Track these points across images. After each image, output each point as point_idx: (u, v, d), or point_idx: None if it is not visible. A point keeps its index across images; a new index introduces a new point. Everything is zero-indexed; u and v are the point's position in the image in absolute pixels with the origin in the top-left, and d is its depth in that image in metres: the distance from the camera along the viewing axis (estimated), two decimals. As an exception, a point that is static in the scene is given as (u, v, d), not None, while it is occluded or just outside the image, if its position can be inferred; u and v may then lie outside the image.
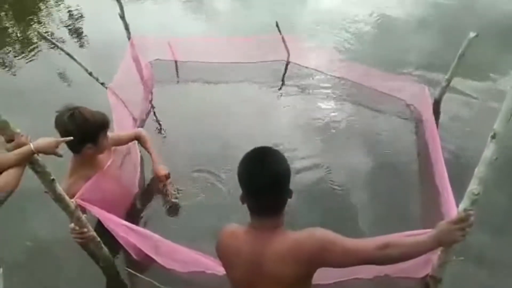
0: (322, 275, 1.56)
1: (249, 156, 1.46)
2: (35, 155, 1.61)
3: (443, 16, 5.63)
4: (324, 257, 1.43)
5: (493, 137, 1.50)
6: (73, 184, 2.09)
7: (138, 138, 2.69)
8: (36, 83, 4.45)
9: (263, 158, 1.45)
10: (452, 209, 1.89)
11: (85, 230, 1.95)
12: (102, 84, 3.34)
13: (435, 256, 1.91)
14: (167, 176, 2.64)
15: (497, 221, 2.62)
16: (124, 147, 2.65)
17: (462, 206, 1.66)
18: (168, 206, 2.76)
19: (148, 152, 2.67)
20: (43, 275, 2.39)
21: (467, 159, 3.03)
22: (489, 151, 1.53)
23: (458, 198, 1.73)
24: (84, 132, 2.03)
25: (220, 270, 2.06)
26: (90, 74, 3.33)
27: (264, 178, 1.40)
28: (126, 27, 4.04)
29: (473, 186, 1.60)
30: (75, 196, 1.93)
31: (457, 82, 3.87)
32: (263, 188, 1.40)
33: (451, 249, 1.79)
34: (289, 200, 1.47)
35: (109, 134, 2.30)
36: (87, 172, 2.18)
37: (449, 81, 3.56)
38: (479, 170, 1.58)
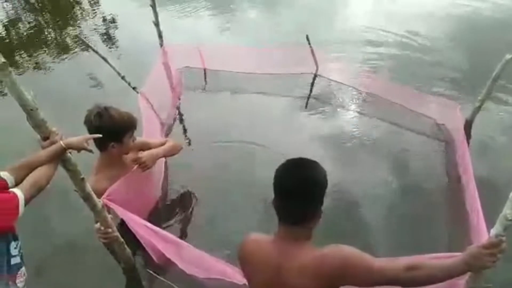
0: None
1: (287, 161, 1.47)
2: (67, 153, 1.66)
3: (475, 33, 5.51)
4: (348, 274, 1.41)
5: (531, 160, 1.44)
6: (97, 182, 2.13)
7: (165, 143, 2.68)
8: (69, 85, 4.61)
9: (298, 163, 1.47)
10: (483, 233, 1.83)
11: (110, 230, 1.99)
12: (134, 88, 3.43)
13: (462, 281, 1.84)
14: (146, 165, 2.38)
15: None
16: None
17: (494, 231, 1.59)
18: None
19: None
20: (64, 275, 2.44)
21: (498, 183, 2.92)
22: (526, 175, 1.47)
23: (488, 223, 1.67)
24: (109, 130, 2.07)
25: (240, 280, 2.06)
26: (123, 78, 3.43)
27: (293, 180, 1.41)
28: (160, 35, 4.13)
29: (508, 211, 1.53)
30: (102, 196, 1.97)
31: (490, 103, 3.78)
32: (290, 189, 1.41)
33: (480, 274, 1.72)
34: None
35: (138, 137, 2.36)
36: (112, 172, 2.22)
37: (482, 102, 3.46)
38: (514, 195, 1.52)
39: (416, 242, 2.59)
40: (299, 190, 1.41)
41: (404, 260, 1.49)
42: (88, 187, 1.78)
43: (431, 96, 3.90)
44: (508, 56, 3.14)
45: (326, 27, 5.94)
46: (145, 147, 2.51)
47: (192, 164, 3.24)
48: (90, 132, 2.03)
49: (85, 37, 5.87)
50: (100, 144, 2.15)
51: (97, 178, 2.17)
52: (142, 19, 3.98)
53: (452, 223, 2.72)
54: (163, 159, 2.99)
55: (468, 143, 3.26)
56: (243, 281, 2.05)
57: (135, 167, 2.28)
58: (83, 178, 1.74)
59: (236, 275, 2.05)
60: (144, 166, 2.28)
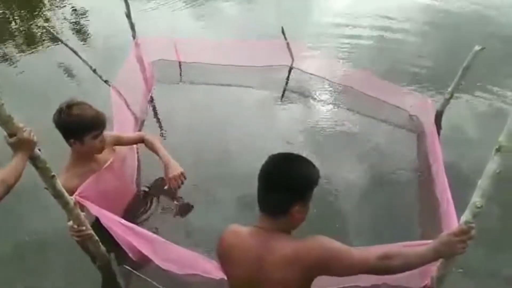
0: (319, 283, 1.55)
1: (277, 153, 1.51)
2: (36, 150, 1.60)
3: (448, 27, 5.66)
4: (328, 266, 1.43)
5: (498, 150, 1.49)
6: (68, 179, 2.08)
7: (143, 141, 2.62)
8: (38, 78, 4.46)
9: (287, 156, 1.51)
10: (453, 221, 1.88)
11: (84, 228, 1.94)
12: (106, 82, 3.35)
13: (434, 267, 1.90)
14: (183, 175, 2.48)
15: (496, 234, 2.61)
16: (126, 147, 2.65)
17: (463, 218, 1.64)
18: (178, 206, 2.74)
19: (158, 154, 2.53)
20: (37, 273, 2.37)
21: (468, 172, 3.02)
22: (493, 164, 1.52)
23: (458, 210, 1.73)
24: (65, 127, 2.06)
25: (217, 275, 2.06)
26: (94, 71, 3.34)
27: (277, 171, 1.45)
28: (132, 27, 4.03)
29: (476, 199, 1.59)
30: (75, 193, 1.92)
31: (460, 94, 3.89)
32: (272, 180, 1.45)
33: (451, 261, 1.78)
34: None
35: (109, 133, 2.33)
36: (83, 169, 2.17)
37: (452, 93, 3.56)
38: (483, 183, 1.57)
39: (390, 230, 2.64)
40: (281, 181, 1.43)
41: (378, 250, 1.52)
42: (59, 185, 1.72)
43: (404, 88, 3.97)
44: (477, 48, 3.23)
45: (303, 20, 5.96)
46: (118, 142, 2.47)
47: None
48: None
49: (55, 29, 5.70)
50: (65, 140, 2.13)
51: (67, 176, 2.11)
52: (116, 10, 3.87)
53: (425, 211, 2.79)
54: (135, 153, 2.95)
55: (439, 133, 3.35)
56: (220, 275, 2.05)
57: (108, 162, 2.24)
58: (53, 176, 1.68)
59: (213, 270, 2.05)
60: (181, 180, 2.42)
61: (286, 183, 1.43)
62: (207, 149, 3.37)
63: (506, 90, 4.12)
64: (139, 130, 3.48)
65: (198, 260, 2.05)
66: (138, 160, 3.05)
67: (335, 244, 1.46)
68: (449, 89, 3.55)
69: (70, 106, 2.05)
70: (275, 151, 1.52)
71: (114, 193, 2.35)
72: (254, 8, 6.51)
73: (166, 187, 2.49)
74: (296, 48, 4.59)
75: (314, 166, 1.51)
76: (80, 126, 2.05)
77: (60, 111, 2.05)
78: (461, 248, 1.58)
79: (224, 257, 1.58)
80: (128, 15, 3.94)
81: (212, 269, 2.04)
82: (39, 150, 1.62)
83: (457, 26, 5.64)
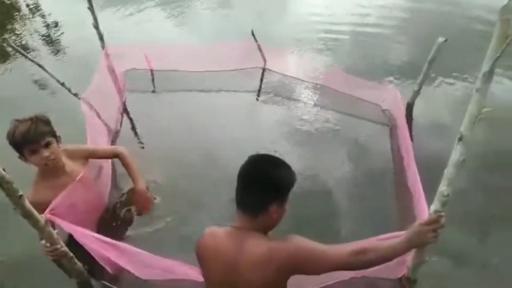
0: (298, 283, 1.56)
1: (256, 154, 1.58)
2: (2, 171, 1.56)
3: (419, 23, 5.80)
4: (301, 265, 1.46)
5: (460, 139, 1.54)
6: (35, 193, 2.06)
7: (117, 155, 2.58)
8: (10, 92, 4.36)
9: (264, 157, 1.58)
10: (424, 211, 1.92)
11: (57, 246, 1.90)
12: (75, 95, 3.29)
13: (409, 257, 1.94)
14: (150, 200, 2.59)
15: (473, 221, 2.69)
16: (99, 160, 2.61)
17: (433, 207, 1.69)
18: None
19: (129, 173, 2.54)
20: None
21: (439, 162, 3.08)
22: (456, 153, 1.57)
23: (429, 201, 1.77)
24: (10, 143, 2.06)
25: (199, 277, 2.05)
26: (62, 84, 3.28)
27: (255, 170, 1.52)
28: (100, 37, 3.98)
29: (443, 188, 1.64)
30: (45, 211, 1.88)
31: (431, 86, 3.98)
32: (249, 178, 1.50)
33: (424, 250, 1.82)
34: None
35: (82, 147, 2.37)
36: (52, 182, 2.15)
37: (420, 85, 3.64)
38: (448, 172, 1.62)
39: (368, 223, 2.69)
40: (260, 180, 1.49)
41: (353, 246, 1.54)
42: (28, 204, 1.68)
43: (378, 83, 4.04)
44: (440, 39, 3.31)
45: (276, 23, 6.01)
46: (91, 155, 2.43)
47: (145, 167, 3.16)
48: None
49: (26, 43, 5.59)
50: None
51: (34, 190, 2.10)
52: (87, 21, 3.84)
53: (400, 203, 2.84)
54: (110, 166, 2.91)
55: (411, 125, 3.43)
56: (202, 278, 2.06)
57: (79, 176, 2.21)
58: (21, 195, 1.64)
59: (194, 273, 2.04)
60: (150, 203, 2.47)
61: (264, 183, 1.48)
62: (187, 155, 3.35)
63: (470, 79, 4.25)
64: (113, 142, 3.44)
65: (177, 267, 2.03)
66: (113, 171, 3.01)
67: (309, 244, 1.48)
68: (418, 81, 3.63)
69: (14, 122, 2.06)
70: (253, 153, 1.55)
71: (87, 207, 2.31)
72: (230, 12, 6.51)
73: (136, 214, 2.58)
74: (269, 49, 4.61)
75: (291, 169, 1.55)
76: (13, 142, 2.05)
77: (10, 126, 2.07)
78: (432, 237, 1.62)
79: (201, 259, 1.59)
80: (96, 26, 3.89)
81: (193, 273, 2.02)
82: (4, 170, 1.57)
83: (427, 22, 5.79)
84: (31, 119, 2.07)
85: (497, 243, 2.54)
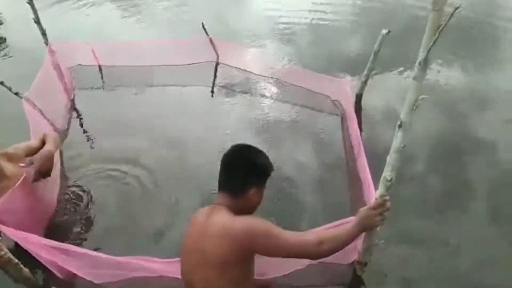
0: (260, 272, 1.59)
1: (238, 143, 1.76)
2: None
3: (371, 16, 5.99)
4: (253, 244, 1.52)
5: (400, 126, 1.61)
6: None
7: (44, 138, 2.41)
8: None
9: (246, 145, 1.76)
10: (373, 197, 2.00)
11: (2, 253, 1.81)
12: (16, 94, 3.12)
13: (359, 241, 2.02)
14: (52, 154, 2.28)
15: (430, 205, 2.85)
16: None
17: (378, 192, 1.76)
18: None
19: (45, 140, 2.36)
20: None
21: (387, 149, 3.22)
22: (397, 140, 1.65)
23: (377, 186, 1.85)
24: None
25: (154, 270, 2.04)
26: (2, 83, 3.08)
27: (234, 154, 1.70)
28: (43, 32, 3.79)
29: (386, 173, 1.72)
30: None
31: (378, 76, 4.14)
32: (229, 161, 1.68)
33: (373, 233, 1.90)
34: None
35: (16, 146, 2.25)
36: None
37: (367, 76, 3.77)
38: (391, 158, 1.70)
39: (324, 211, 2.77)
40: (242, 164, 1.66)
41: (312, 234, 1.62)
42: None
43: (327, 76, 4.13)
44: (384, 31, 3.45)
45: (230, 16, 5.99)
46: (30, 151, 2.30)
47: (90, 170, 3.09)
48: None
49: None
50: None
51: None
52: (30, 16, 3.63)
53: (352, 190, 2.94)
54: (59, 168, 2.79)
55: (360, 115, 3.55)
56: (159, 272, 2.06)
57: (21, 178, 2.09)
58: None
59: (151, 266, 2.02)
60: (43, 170, 2.16)
61: (246, 167, 1.65)
62: (136, 152, 3.28)
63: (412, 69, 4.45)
64: (62, 141, 3.29)
65: (131, 263, 1.98)
66: (62, 173, 2.89)
67: (265, 223, 1.55)
68: (364, 72, 3.76)
69: None
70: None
71: (32, 211, 2.20)
72: (184, 9, 6.38)
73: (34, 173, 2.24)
74: (221, 43, 4.59)
75: (268, 158, 1.74)
76: None
77: None
78: (379, 220, 1.70)
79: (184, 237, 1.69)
80: (37, 21, 3.70)
81: (148, 264, 2.00)
82: None
83: (374, 16, 5.99)
84: None
85: (454, 223, 2.69)
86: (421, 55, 1.46)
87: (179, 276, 1.98)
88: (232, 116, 3.85)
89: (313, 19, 5.93)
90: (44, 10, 3.60)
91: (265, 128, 3.63)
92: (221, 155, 1.70)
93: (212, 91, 4.26)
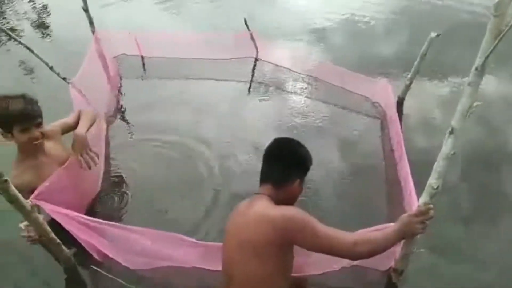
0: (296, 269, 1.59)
1: (279, 137, 1.80)
2: None
3: (410, 17, 5.81)
4: (292, 234, 1.52)
5: (451, 132, 1.55)
6: (19, 175, 2.05)
7: (81, 115, 2.45)
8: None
9: (289, 139, 1.80)
10: (414, 203, 1.94)
11: (33, 234, 1.90)
12: (64, 79, 3.23)
13: (398, 248, 1.96)
14: (84, 137, 2.28)
15: (460, 215, 2.74)
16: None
17: (421, 199, 1.70)
18: None
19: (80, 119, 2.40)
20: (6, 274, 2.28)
21: (430, 155, 3.10)
22: (447, 146, 1.58)
23: (419, 193, 1.78)
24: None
25: (187, 261, 2.07)
26: (51, 68, 3.21)
27: (278, 147, 1.75)
28: (90, 21, 3.92)
29: (432, 180, 1.65)
30: (31, 196, 1.84)
31: (421, 80, 4.00)
32: (273, 153, 1.73)
33: (412, 241, 1.84)
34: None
35: (54, 124, 2.31)
36: (32, 162, 2.13)
37: (411, 79, 3.65)
38: (438, 165, 1.63)
39: (359, 215, 2.70)
40: (282, 154, 1.71)
41: (350, 235, 1.60)
42: (13, 189, 1.64)
43: (368, 77, 4.03)
44: (433, 34, 3.32)
45: (269, 12, 5.96)
46: (66, 128, 2.38)
47: (134, 153, 3.20)
48: None
49: (12, 26, 5.46)
50: None
51: (17, 172, 2.07)
52: (77, 4, 3.77)
53: (390, 195, 2.86)
54: (103, 146, 2.87)
55: (401, 119, 3.44)
56: (192, 263, 2.10)
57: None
58: (6, 180, 1.60)
59: (184, 257, 2.04)
60: (81, 151, 2.20)
61: (292, 159, 1.71)
62: (175, 144, 3.32)
63: (463, 74, 4.28)
64: (107, 128, 3.39)
65: (167, 242, 2.01)
66: (106, 153, 2.99)
67: (305, 214, 1.55)
68: (409, 75, 3.65)
69: (4, 97, 2.01)
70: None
71: (76, 192, 2.28)
72: (221, 4, 6.41)
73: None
74: (261, 39, 4.58)
75: (307, 151, 1.78)
76: (6, 117, 2.00)
77: None
78: (420, 228, 1.65)
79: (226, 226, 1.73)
80: (86, 9, 3.82)
81: (183, 255, 2.03)
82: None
83: (419, 16, 5.80)
84: (22, 97, 2.03)
85: (483, 238, 2.57)
86: (478, 61, 1.40)
87: (212, 268, 2.01)
88: (267, 112, 3.82)
89: (351, 16, 5.81)
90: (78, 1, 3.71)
91: (299, 127, 3.59)
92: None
93: (250, 87, 4.25)
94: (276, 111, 3.84)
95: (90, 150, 2.25)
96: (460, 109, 1.50)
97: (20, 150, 2.13)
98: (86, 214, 2.17)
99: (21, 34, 5.34)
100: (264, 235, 1.50)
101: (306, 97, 4.06)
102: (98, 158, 2.33)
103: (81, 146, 2.20)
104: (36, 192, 1.89)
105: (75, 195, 2.27)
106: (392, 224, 1.72)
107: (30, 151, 2.13)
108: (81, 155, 2.19)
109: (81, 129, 2.26)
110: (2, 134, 2.05)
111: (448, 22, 5.43)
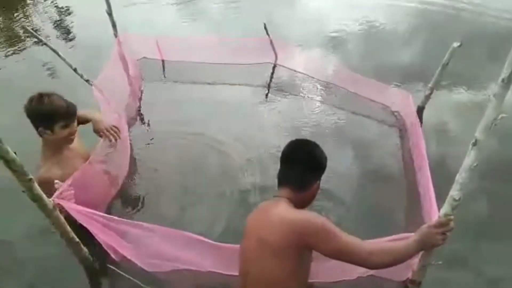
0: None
1: (296, 139, 1.83)
2: (12, 153, 1.57)
3: (430, 25, 5.72)
4: (310, 237, 1.52)
5: (474, 144, 1.52)
6: (48, 170, 2.11)
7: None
8: (21, 77, 4.37)
9: (304, 141, 1.82)
10: (434, 214, 1.91)
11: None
12: (87, 81, 3.30)
13: (416, 260, 1.93)
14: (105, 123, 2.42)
15: (480, 227, 2.67)
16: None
17: (442, 211, 1.68)
18: None
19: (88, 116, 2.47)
20: (22, 273, 2.33)
21: (450, 166, 3.06)
22: (470, 158, 1.55)
23: (440, 204, 1.76)
24: (37, 115, 2.08)
25: (204, 265, 2.08)
26: (75, 70, 3.29)
27: (292, 149, 1.76)
28: (113, 24, 3.99)
29: (454, 192, 1.63)
30: (53, 196, 1.88)
31: (441, 91, 3.94)
32: (287, 156, 1.74)
33: (431, 252, 1.81)
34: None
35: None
36: (59, 156, 2.20)
37: (432, 89, 3.60)
38: (460, 176, 1.61)
39: (376, 224, 2.67)
40: (301, 157, 1.72)
41: (367, 243, 1.60)
42: (37, 188, 1.69)
43: (386, 85, 3.99)
44: (455, 44, 3.27)
45: (287, 17, 5.95)
46: (83, 120, 2.43)
47: (153, 156, 3.26)
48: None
49: (36, 27, 5.60)
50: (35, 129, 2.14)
51: (47, 167, 2.13)
52: (99, 8, 3.86)
53: (409, 205, 2.82)
54: (128, 151, 2.96)
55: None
56: (208, 268, 2.11)
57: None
58: (30, 179, 1.64)
59: (200, 259, 2.05)
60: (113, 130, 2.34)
61: (311, 162, 1.72)
62: (193, 148, 3.37)
63: (485, 85, 4.18)
64: (129, 130, 3.46)
65: (186, 244, 2.02)
66: (131, 157, 3.06)
67: (324, 219, 1.56)
68: (430, 85, 3.60)
69: (41, 95, 2.09)
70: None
71: (100, 188, 2.35)
72: (239, 8, 6.47)
73: (102, 140, 2.39)
74: (280, 45, 4.59)
75: (323, 153, 1.78)
76: (50, 114, 2.07)
77: (31, 100, 2.09)
78: (441, 240, 1.63)
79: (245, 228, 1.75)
80: (110, 13, 3.90)
81: (199, 259, 2.05)
82: (15, 153, 1.57)
83: (439, 24, 5.71)
84: (55, 94, 2.12)
85: (493, 253, 2.51)
86: (505, 72, 1.37)
87: (227, 273, 2.01)
88: (284, 118, 3.81)
89: (369, 24, 5.73)
90: (97, 3, 3.80)
91: (317, 134, 3.55)
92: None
93: (268, 92, 4.26)
94: (293, 117, 3.82)
95: (113, 126, 2.36)
96: (484, 121, 1.47)
97: (48, 146, 2.19)
98: (106, 213, 2.21)
99: (45, 35, 5.46)
100: (284, 238, 1.51)
101: (324, 103, 4.03)
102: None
103: (103, 124, 2.34)
104: (57, 192, 1.93)
105: (96, 193, 2.32)
106: (411, 234, 1.70)
107: (58, 146, 2.20)
108: (107, 131, 2.30)
109: (96, 115, 2.40)
110: (40, 133, 2.11)
111: (467, 31, 5.32)
